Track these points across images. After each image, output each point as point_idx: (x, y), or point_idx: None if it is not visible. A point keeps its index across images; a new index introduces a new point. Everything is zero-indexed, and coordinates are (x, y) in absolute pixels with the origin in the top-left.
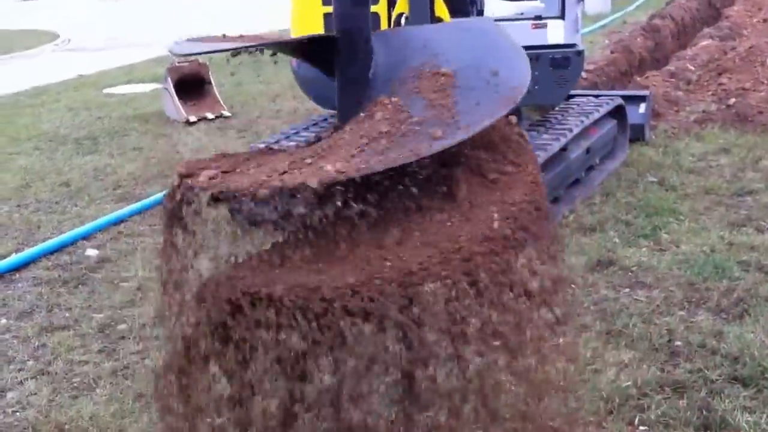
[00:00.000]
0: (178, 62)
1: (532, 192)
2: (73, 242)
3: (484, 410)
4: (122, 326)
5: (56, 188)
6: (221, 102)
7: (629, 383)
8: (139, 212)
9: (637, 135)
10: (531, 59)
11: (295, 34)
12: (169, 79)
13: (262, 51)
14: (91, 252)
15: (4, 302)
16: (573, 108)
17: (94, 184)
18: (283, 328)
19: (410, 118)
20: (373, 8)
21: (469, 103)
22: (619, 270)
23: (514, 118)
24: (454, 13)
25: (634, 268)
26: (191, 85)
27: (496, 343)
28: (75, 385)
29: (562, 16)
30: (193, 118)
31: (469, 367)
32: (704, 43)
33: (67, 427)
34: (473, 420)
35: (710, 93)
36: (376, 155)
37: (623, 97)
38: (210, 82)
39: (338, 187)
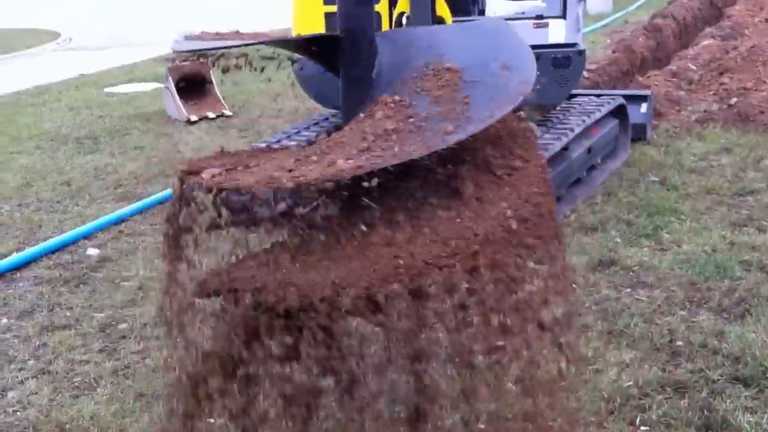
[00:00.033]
0: (180, 61)
1: (540, 187)
2: (74, 241)
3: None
4: (123, 325)
5: (57, 187)
6: (222, 101)
7: (630, 383)
8: (140, 211)
9: (639, 134)
10: None
11: (296, 33)
12: (170, 78)
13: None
14: (92, 251)
15: (5, 301)
16: (574, 107)
17: (95, 183)
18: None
19: (416, 115)
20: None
21: (477, 99)
22: (620, 270)
23: (523, 113)
24: (455, 12)
25: (635, 268)
26: (192, 84)
27: (499, 342)
28: (76, 384)
29: (563, 16)
30: (194, 118)
31: (473, 365)
32: (706, 42)
33: (67, 426)
34: (475, 420)
35: (712, 93)
36: (388, 150)
37: (625, 96)
38: (211, 81)
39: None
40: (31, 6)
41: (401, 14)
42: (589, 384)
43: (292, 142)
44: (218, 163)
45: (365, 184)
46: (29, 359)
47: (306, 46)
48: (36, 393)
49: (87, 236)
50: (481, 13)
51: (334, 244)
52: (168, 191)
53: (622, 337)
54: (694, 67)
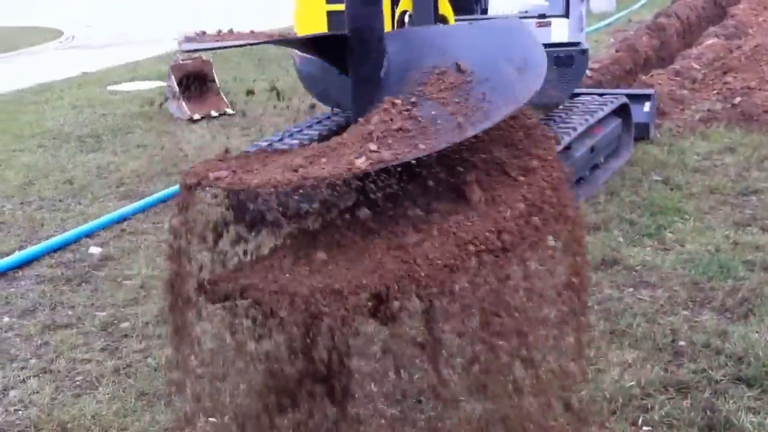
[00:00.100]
0: (182, 60)
1: (556, 187)
2: (76, 240)
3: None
4: (125, 324)
5: (60, 186)
6: (225, 99)
7: (633, 383)
8: (143, 210)
9: (642, 134)
10: None
11: (299, 31)
12: (172, 77)
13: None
14: (95, 250)
15: (7, 300)
16: (577, 106)
17: (97, 181)
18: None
19: (425, 114)
20: None
21: (488, 96)
22: (623, 269)
23: (532, 112)
24: (457, 11)
25: (638, 268)
26: (195, 82)
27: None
28: (77, 383)
29: (566, 15)
30: (196, 116)
31: (478, 364)
32: (709, 41)
33: (69, 425)
34: (477, 419)
35: (715, 92)
36: (401, 146)
37: (628, 95)
38: (213, 80)
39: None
40: (34, 4)
41: (404, 13)
42: (591, 384)
43: (294, 141)
44: (224, 165)
45: (375, 185)
46: (31, 358)
47: (314, 45)
48: (37, 392)
49: (89, 235)
50: (484, 12)
51: (347, 246)
52: (170, 189)
53: (624, 337)
54: (698, 67)
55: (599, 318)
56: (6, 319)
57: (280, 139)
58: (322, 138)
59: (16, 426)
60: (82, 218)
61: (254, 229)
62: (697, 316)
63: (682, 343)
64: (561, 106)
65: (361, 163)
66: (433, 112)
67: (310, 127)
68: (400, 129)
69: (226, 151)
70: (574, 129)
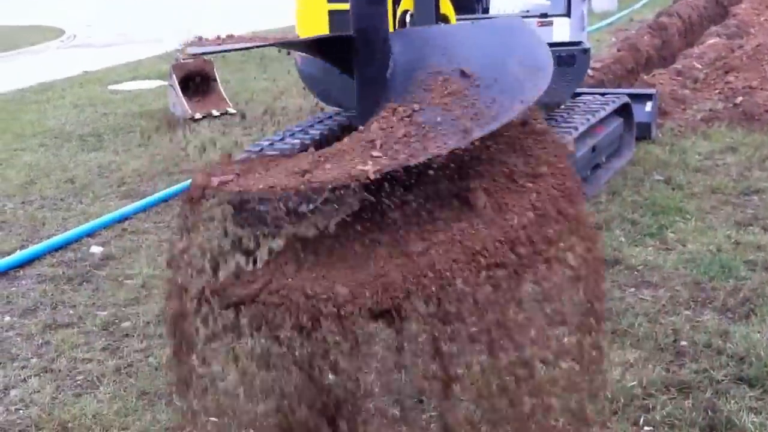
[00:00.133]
0: (183, 59)
1: (569, 196)
2: (77, 239)
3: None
4: (126, 324)
5: (61, 185)
6: (226, 99)
7: (634, 383)
8: (144, 209)
9: (644, 133)
10: None
11: (300, 31)
12: (174, 76)
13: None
14: (96, 249)
15: (8, 299)
16: (579, 106)
17: (98, 180)
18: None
19: (430, 118)
20: None
21: (493, 98)
22: (624, 269)
23: (542, 118)
24: (459, 10)
25: (639, 267)
26: (196, 81)
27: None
28: (78, 382)
29: (567, 14)
30: (198, 115)
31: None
32: (711, 41)
33: (70, 425)
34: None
35: (717, 91)
36: (407, 151)
37: (630, 95)
38: (215, 79)
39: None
40: (35, 3)
41: (405, 12)
42: (592, 384)
43: (296, 140)
44: (228, 170)
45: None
46: (32, 357)
47: (319, 47)
48: (38, 391)
49: (90, 234)
50: (485, 11)
51: (354, 251)
52: (171, 189)
53: (626, 337)
54: (700, 66)
55: None
56: (7, 318)
57: (281, 139)
58: (324, 137)
59: (17, 425)
60: (83, 217)
61: (256, 230)
62: (698, 316)
63: (683, 343)
64: (562, 106)
65: (366, 168)
66: (437, 117)
67: (311, 126)
68: (404, 135)
69: (229, 156)
70: (576, 128)
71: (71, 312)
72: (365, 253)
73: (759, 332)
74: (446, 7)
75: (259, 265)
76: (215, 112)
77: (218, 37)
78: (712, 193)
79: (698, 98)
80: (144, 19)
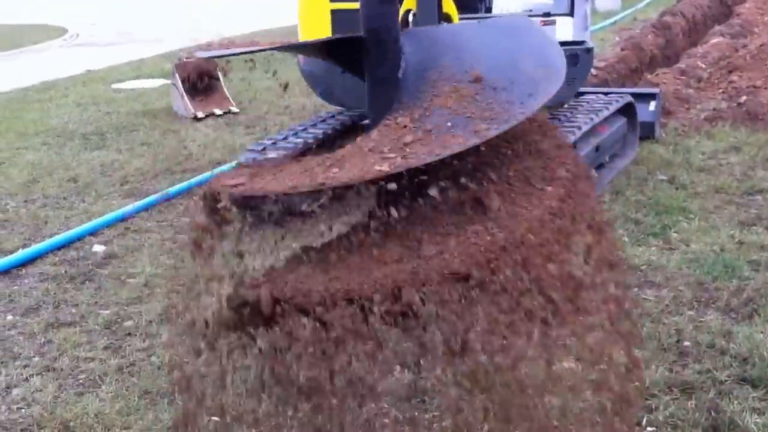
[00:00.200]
0: (186, 58)
1: (582, 195)
2: (80, 238)
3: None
4: (128, 323)
5: (63, 184)
6: (229, 98)
7: (637, 383)
8: (147, 208)
9: (647, 133)
10: None
11: (303, 30)
12: (177, 75)
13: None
14: (98, 248)
15: (11, 298)
16: (582, 105)
17: (101, 179)
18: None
19: (442, 120)
20: None
21: (505, 98)
22: (627, 269)
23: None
24: (462, 9)
25: (643, 267)
26: (199, 80)
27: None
28: (80, 381)
29: (571, 13)
30: (201, 114)
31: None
32: (715, 40)
33: (72, 423)
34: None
35: (721, 91)
36: (424, 149)
37: (633, 94)
38: (218, 78)
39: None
40: (37, 2)
41: (407, 11)
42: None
43: (299, 140)
44: (240, 172)
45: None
46: (34, 356)
47: (328, 49)
48: (40, 390)
49: (93, 233)
50: (488, 10)
51: (366, 254)
52: (174, 188)
53: None
54: (704, 65)
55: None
56: (9, 317)
57: (285, 138)
58: (327, 137)
59: (19, 424)
60: (86, 216)
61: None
62: (702, 316)
63: (686, 343)
64: (566, 105)
65: (382, 166)
66: (450, 118)
67: (314, 125)
68: (416, 138)
69: (239, 164)
70: (579, 128)
71: (73, 311)
72: (378, 256)
73: (762, 332)
74: (449, 6)
75: (278, 265)
76: (218, 111)
77: (222, 43)
78: (716, 193)
79: (702, 98)
80: (147, 19)
